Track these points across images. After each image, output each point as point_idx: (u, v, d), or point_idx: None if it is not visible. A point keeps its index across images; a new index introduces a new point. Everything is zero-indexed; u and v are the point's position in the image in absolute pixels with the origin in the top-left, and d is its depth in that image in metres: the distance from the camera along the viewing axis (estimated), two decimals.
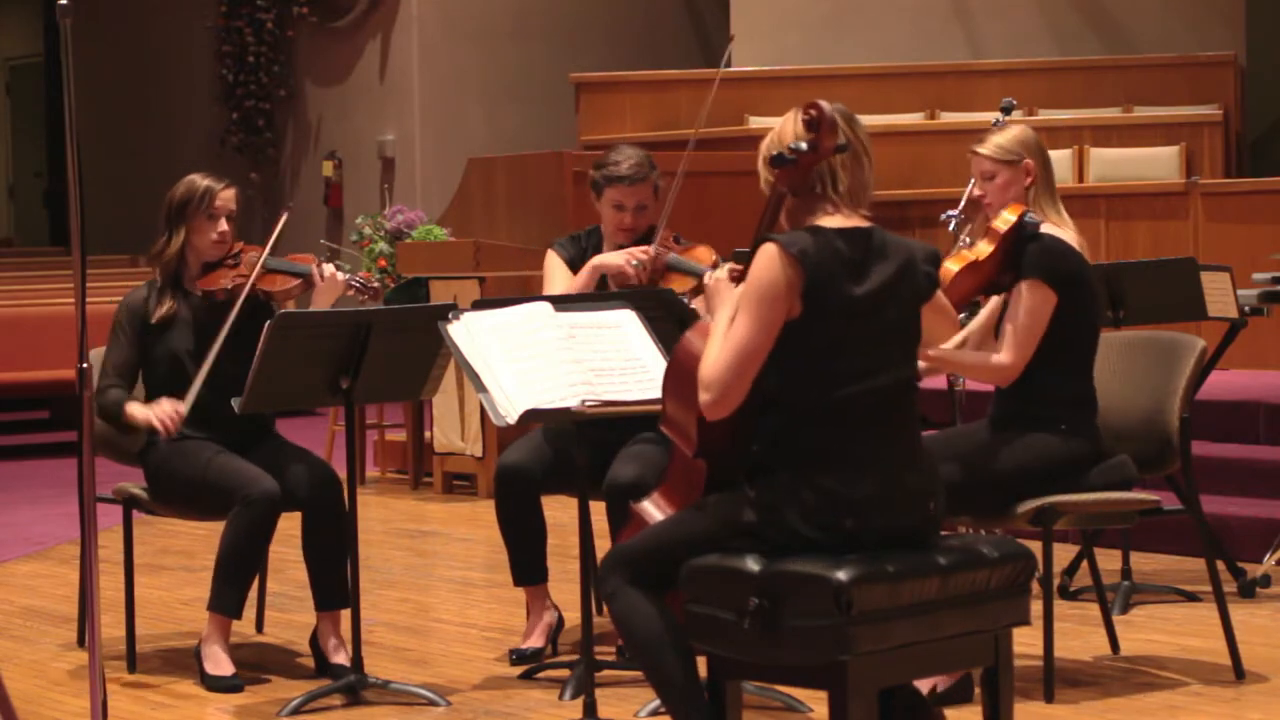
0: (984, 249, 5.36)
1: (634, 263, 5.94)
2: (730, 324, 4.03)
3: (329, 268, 5.96)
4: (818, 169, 4.07)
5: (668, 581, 4.10)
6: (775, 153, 4.04)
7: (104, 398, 5.77)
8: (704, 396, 4.00)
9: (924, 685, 5.26)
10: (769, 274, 3.98)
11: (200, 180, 5.99)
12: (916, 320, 4.16)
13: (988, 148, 5.52)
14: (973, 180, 5.60)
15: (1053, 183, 5.53)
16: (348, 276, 5.97)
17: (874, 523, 3.99)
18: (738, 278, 4.10)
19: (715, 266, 5.78)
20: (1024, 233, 5.35)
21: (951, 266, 5.32)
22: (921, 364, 4.91)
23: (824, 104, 4.02)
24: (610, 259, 6.00)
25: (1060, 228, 5.42)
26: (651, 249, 5.97)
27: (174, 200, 5.97)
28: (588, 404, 4.94)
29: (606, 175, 6.04)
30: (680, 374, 4.12)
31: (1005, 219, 5.38)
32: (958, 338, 5.57)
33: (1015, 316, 5.32)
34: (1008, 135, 5.54)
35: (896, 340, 4.11)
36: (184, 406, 5.71)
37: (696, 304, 5.69)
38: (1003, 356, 5.32)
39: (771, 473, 4.03)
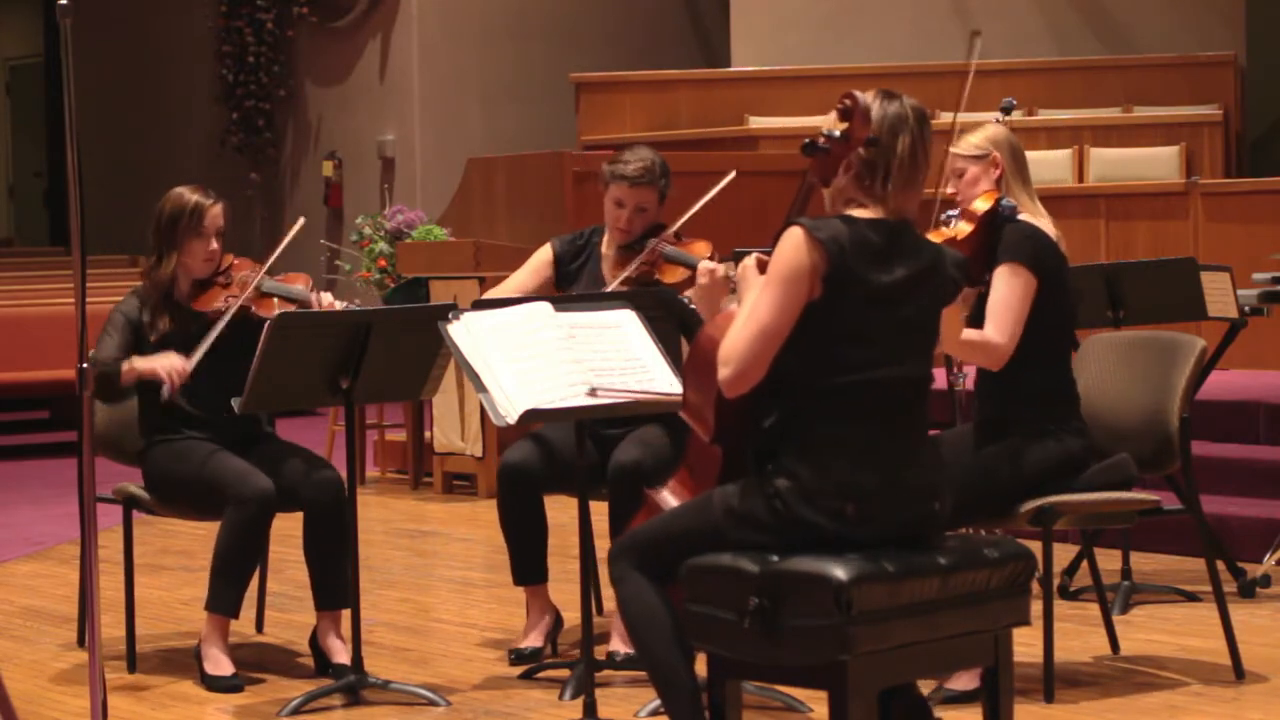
0: (963, 228, 5.35)
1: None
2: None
3: (327, 296, 5.93)
4: (870, 163, 4.06)
5: (675, 571, 4.11)
6: (807, 140, 4.05)
7: (96, 370, 5.69)
8: (723, 372, 4.01)
9: (961, 683, 5.27)
10: (793, 257, 4.00)
11: (189, 195, 5.92)
12: (936, 321, 4.17)
13: (959, 146, 5.54)
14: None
15: (1026, 177, 5.52)
16: (345, 306, 5.90)
17: (874, 513, 3.99)
18: (765, 266, 4.10)
19: (712, 258, 5.83)
20: (1000, 216, 5.33)
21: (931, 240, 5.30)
22: None
23: (858, 94, 4.03)
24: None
25: (1036, 217, 5.42)
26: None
27: (163, 218, 5.91)
28: (600, 392, 4.93)
29: (613, 172, 6.10)
30: (700, 360, 4.13)
31: (981, 202, 5.37)
32: None
33: (999, 299, 5.26)
34: (978, 133, 5.54)
35: (913, 336, 4.11)
36: (189, 364, 5.69)
37: (689, 294, 5.72)
38: (993, 336, 5.24)
39: (777, 455, 4.04)
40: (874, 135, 4.04)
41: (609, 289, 5.93)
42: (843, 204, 4.12)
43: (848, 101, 4.02)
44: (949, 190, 5.53)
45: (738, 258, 4.24)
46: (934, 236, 5.26)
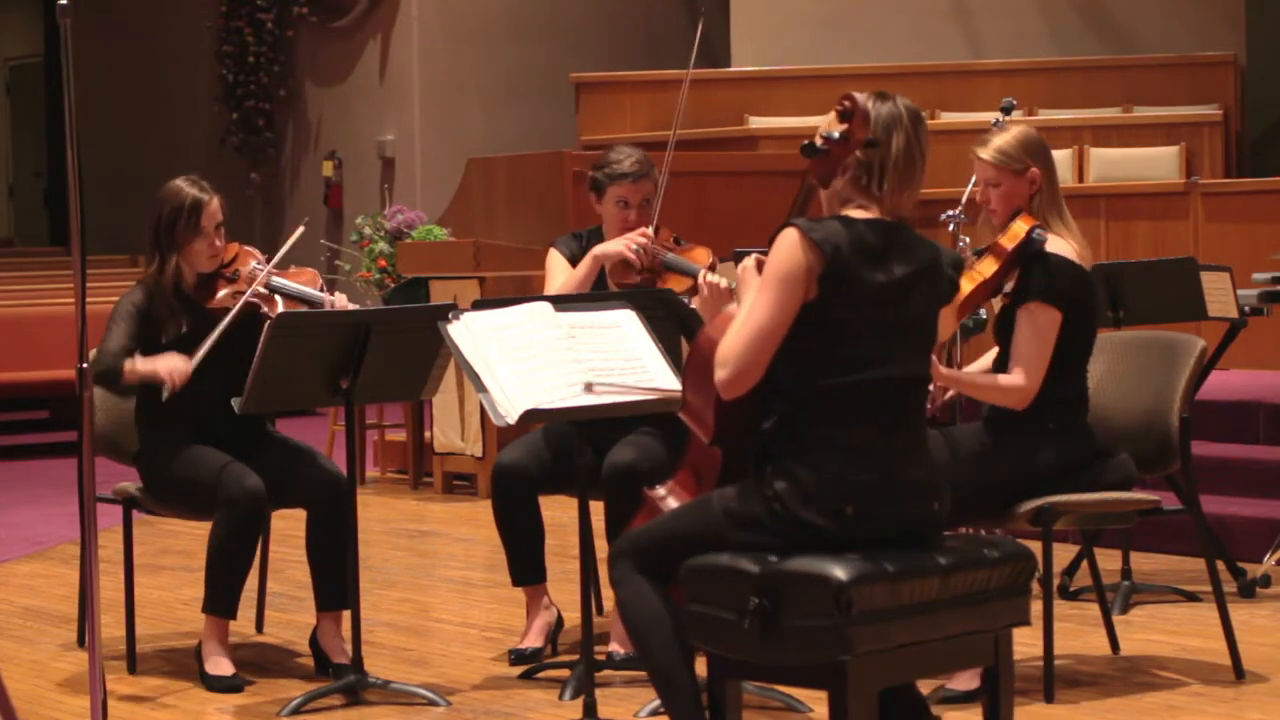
0: (989, 266, 5.29)
1: (634, 247, 5.94)
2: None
3: (340, 298, 5.91)
4: (866, 163, 4.07)
5: (675, 572, 4.11)
6: (806, 142, 4.06)
7: (100, 365, 5.67)
8: (720, 373, 4.02)
9: (961, 683, 5.27)
10: (789, 257, 4.01)
11: (185, 190, 5.84)
12: (933, 320, 4.18)
13: (989, 152, 5.39)
14: (973, 179, 5.56)
15: (1057, 187, 5.44)
16: (357, 308, 5.87)
17: (874, 512, 3.99)
18: (764, 266, 4.11)
19: (712, 268, 5.82)
20: (1030, 248, 5.28)
21: (966, 286, 5.24)
22: (932, 384, 4.93)
23: (857, 95, 4.04)
24: (609, 246, 6.00)
25: (1065, 238, 5.35)
26: (650, 230, 5.97)
27: (161, 219, 5.83)
28: (596, 388, 4.93)
29: (609, 173, 6.04)
30: (700, 361, 4.14)
31: (1013, 234, 5.29)
32: (974, 366, 5.58)
33: (1025, 339, 5.24)
34: (1010, 138, 5.40)
35: (910, 336, 4.12)
36: (191, 365, 5.67)
37: (694, 303, 5.68)
38: (1017, 379, 5.23)
39: (776, 456, 4.04)
40: (873, 137, 4.06)
41: None
42: (839, 205, 4.13)
43: (847, 103, 4.03)
44: (979, 197, 5.45)
45: (738, 258, 4.25)
46: (968, 281, 5.23)
